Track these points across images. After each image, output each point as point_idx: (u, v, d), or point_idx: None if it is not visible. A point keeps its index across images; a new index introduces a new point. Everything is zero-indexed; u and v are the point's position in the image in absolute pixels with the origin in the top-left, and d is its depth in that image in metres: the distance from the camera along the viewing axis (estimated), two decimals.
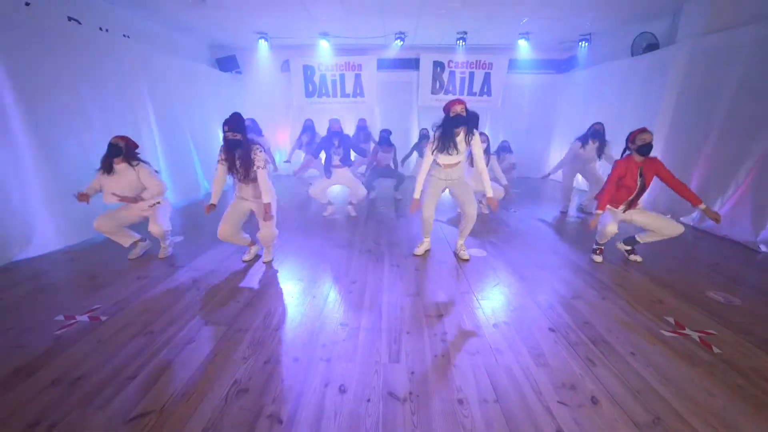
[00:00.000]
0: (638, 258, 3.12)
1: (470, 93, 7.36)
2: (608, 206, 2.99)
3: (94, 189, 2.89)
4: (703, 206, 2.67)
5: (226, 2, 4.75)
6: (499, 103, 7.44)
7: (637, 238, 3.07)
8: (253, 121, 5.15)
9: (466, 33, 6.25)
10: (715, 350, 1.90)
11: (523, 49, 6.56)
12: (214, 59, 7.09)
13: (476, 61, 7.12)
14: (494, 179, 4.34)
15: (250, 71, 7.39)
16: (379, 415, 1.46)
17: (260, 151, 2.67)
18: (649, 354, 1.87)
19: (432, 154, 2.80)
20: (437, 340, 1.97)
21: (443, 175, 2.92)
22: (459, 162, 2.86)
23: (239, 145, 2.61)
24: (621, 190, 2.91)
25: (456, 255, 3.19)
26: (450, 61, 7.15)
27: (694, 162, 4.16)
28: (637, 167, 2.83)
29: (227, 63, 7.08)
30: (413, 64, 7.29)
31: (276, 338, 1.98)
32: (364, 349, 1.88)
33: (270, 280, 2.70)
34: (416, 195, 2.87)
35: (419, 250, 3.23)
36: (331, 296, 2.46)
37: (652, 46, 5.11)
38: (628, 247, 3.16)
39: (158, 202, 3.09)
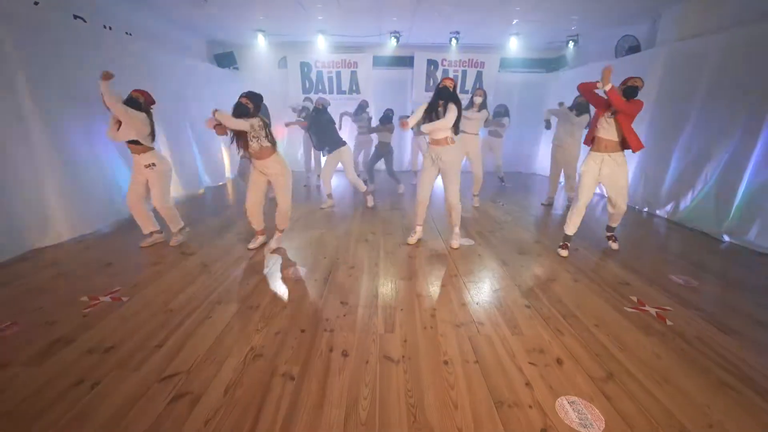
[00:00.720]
0: (615, 245, 3.36)
1: (463, 91, 7.58)
2: (591, 153, 3.06)
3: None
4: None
5: (226, 1, 4.91)
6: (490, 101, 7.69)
7: (610, 223, 3.34)
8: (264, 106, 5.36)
9: (458, 32, 6.47)
10: (668, 323, 2.19)
11: (514, 47, 6.81)
12: (212, 55, 7.23)
13: (469, 59, 7.35)
14: (494, 133, 5.83)
15: (247, 67, 7.54)
16: (376, 373, 1.71)
17: (260, 122, 2.87)
18: (610, 325, 2.15)
19: (422, 120, 3.08)
20: (427, 315, 2.23)
21: (433, 155, 3.13)
22: (445, 138, 3.03)
23: (247, 113, 2.82)
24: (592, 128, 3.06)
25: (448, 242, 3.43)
26: (443, 60, 7.38)
27: (669, 158, 4.47)
28: (607, 104, 2.89)
29: (225, 59, 7.23)
30: (408, 61, 7.50)
31: (284, 313, 2.22)
32: (363, 323, 2.13)
33: (275, 266, 2.93)
34: (410, 121, 3.04)
35: (412, 239, 3.46)
36: (332, 279, 2.71)
37: (634, 48, 5.40)
38: (609, 233, 3.40)
39: (153, 164, 3.13)
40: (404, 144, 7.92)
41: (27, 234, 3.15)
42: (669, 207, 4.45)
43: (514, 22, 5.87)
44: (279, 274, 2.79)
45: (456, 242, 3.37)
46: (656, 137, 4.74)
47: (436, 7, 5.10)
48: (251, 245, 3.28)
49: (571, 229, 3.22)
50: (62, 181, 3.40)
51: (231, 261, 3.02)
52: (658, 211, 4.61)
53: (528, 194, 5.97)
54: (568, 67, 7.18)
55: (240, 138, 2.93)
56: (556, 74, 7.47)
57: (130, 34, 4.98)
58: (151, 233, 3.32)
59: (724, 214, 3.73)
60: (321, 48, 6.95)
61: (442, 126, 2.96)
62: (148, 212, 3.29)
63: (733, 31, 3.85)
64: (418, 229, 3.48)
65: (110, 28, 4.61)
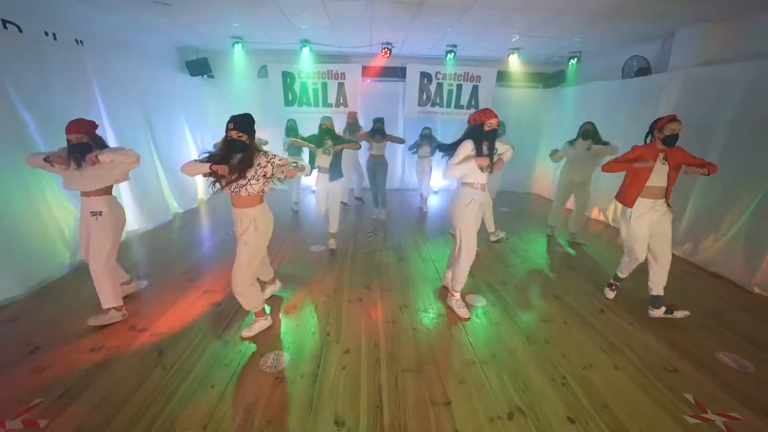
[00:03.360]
0: (686, 312, 2.78)
1: (457, 106, 7.14)
2: (641, 199, 2.70)
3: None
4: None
5: (194, 6, 4.25)
6: None
7: (654, 292, 2.81)
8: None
9: (456, 46, 6.01)
10: None
11: (514, 62, 6.40)
12: (184, 62, 6.49)
13: (464, 73, 6.90)
14: None
15: (223, 76, 6.85)
16: None
17: (275, 157, 2.27)
18: None
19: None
20: None
21: (479, 202, 2.69)
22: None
23: (243, 148, 2.20)
24: (638, 175, 2.68)
25: (451, 309, 2.85)
26: (438, 72, 6.89)
27: (688, 194, 4.13)
28: (657, 152, 2.63)
29: (197, 66, 6.50)
30: (400, 73, 6.98)
31: None
32: None
33: (248, 354, 2.34)
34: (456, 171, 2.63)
35: (465, 313, 2.81)
36: (322, 375, 2.16)
37: (644, 70, 5.07)
38: (663, 308, 2.81)
39: (99, 213, 2.46)
40: (394, 156, 7.38)
41: None
42: (687, 246, 4.12)
43: (514, 38, 5.45)
44: (251, 371, 2.19)
45: (465, 309, 2.82)
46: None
47: (434, 20, 4.61)
48: (245, 333, 2.47)
49: (625, 272, 3.02)
50: None
51: (192, 341, 2.42)
52: (673, 251, 4.27)
53: (528, 221, 5.56)
54: (566, 84, 6.84)
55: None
56: (555, 90, 7.12)
57: (81, 42, 4.25)
58: (114, 308, 2.57)
59: (754, 262, 3.39)
60: (305, 57, 6.34)
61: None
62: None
63: (763, 61, 3.52)
64: (458, 296, 2.86)
65: (54, 36, 3.89)
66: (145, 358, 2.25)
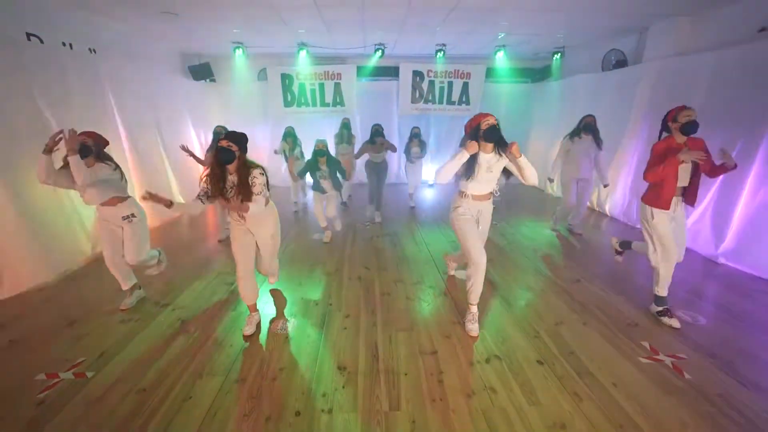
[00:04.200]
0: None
1: (449, 102, 7.46)
2: (660, 211, 2.51)
3: (67, 179, 2.43)
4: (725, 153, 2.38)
5: (199, 15, 4.58)
6: (477, 112, 7.59)
7: (634, 247, 2.97)
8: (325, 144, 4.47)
9: (445, 45, 6.32)
10: (687, 376, 2.07)
11: (501, 59, 6.72)
12: (187, 67, 6.82)
13: (455, 70, 7.22)
14: None
15: (224, 79, 7.17)
16: None
17: (261, 174, 2.25)
18: (629, 384, 2.01)
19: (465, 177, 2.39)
20: (434, 381, 2.03)
21: (475, 211, 2.50)
22: (492, 192, 2.50)
23: (232, 158, 2.15)
24: (665, 178, 2.44)
25: (462, 325, 2.57)
26: (429, 71, 7.21)
27: None
28: (680, 148, 2.38)
29: (200, 71, 6.82)
30: (393, 72, 7.30)
31: (275, 388, 1.98)
32: (364, 397, 1.91)
33: (263, 324, 2.66)
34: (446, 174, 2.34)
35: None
36: (326, 334, 2.47)
37: (621, 63, 5.38)
38: (620, 249, 3.16)
39: (132, 215, 2.65)
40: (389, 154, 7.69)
41: None
42: None
43: (500, 36, 5.77)
44: (264, 331, 2.52)
45: (473, 327, 2.47)
46: (647, 153, 4.70)
47: (423, 21, 4.92)
48: (247, 330, 2.45)
49: (664, 288, 2.63)
50: (17, 221, 3.03)
51: (212, 314, 2.73)
52: None
53: (519, 209, 5.87)
54: (553, 78, 7.15)
55: (217, 188, 2.23)
56: (542, 84, 7.44)
57: (94, 51, 4.57)
58: (131, 290, 2.84)
59: (721, 236, 3.70)
60: (303, 60, 6.66)
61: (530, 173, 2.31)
62: (128, 266, 2.77)
63: (723, 51, 3.83)
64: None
65: (70, 46, 4.21)
66: (170, 327, 2.56)
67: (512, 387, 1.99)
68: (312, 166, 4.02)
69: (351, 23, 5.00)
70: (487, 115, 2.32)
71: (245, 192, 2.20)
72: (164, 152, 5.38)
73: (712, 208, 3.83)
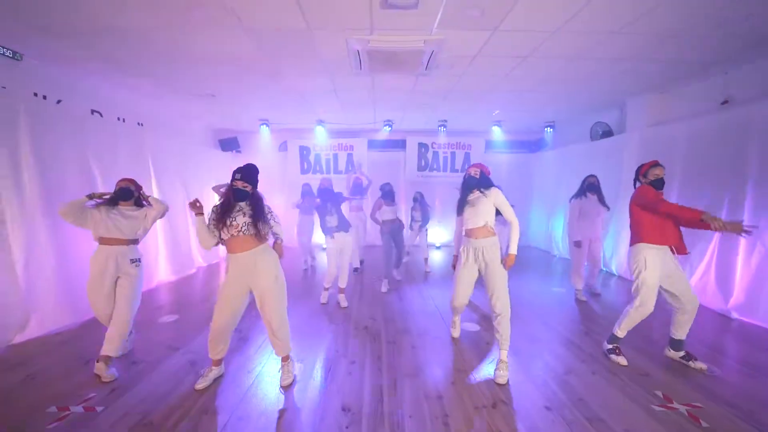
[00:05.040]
0: (703, 366, 2.56)
1: (453, 170, 8.04)
2: (652, 246, 2.54)
3: (91, 216, 2.63)
4: (704, 216, 2.24)
5: (231, 97, 5.37)
6: None
7: (675, 335, 2.66)
8: (329, 181, 4.93)
9: (446, 121, 7.08)
10: (704, 424, 2.00)
11: (497, 133, 7.42)
12: (217, 140, 7.69)
13: (456, 142, 7.93)
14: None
15: (249, 151, 7.97)
16: None
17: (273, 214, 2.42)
18: (643, 431, 1.94)
19: (457, 214, 2.74)
20: (439, 423, 2.00)
21: (472, 248, 2.63)
22: (484, 226, 2.57)
23: (245, 197, 2.32)
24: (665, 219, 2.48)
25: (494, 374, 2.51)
26: (433, 143, 7.94)
27: None
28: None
29: (229, 144, 7.67)
30: (401, 144, 8.04)
31: (280, 427, 1.97)
32: None
33: (269, 362, 2.70)
34: (456, 252, 2.84)
35: (455, 333, 3.14)
36: (332, 378, 2.48)
37: (607, 133, 5.91)
38: (682, 353, 2.67)
39: (139, 260, 2.72)
40: None
41: (9, 326, 2.92)
42: None
43: (495, 113, 6.49)
44: (273, 373, 2.55)
45: (503, 375, 2.42)
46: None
47: (424, 100, 5.65)
48: (200, 384, 2.32)
49: (624, 331, 2.69)
50: (55, 267, 3.28)
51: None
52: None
53: (525, 271, 5.93)
54: (548, 149, 7.76)
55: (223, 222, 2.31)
56: (538, 155, 8.03)
57: (142, 125, 5.32)
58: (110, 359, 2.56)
59: (727, 289, 3.70)
60: (320, 134, 7.46)
61: (513, 222, 2.58)
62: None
63: (694, 121, 4.27)
64: (456, 319, 3.09)
65: (123, 120, 4.94)
66: (181, 369, 2.61)
67: (520, 431, 1.94)
68: (321, 209, 4.07)
69: (363, 102, 5.76)
70: (471, 167, 2.71)
71: (259, 218, 2.29)
72: (188, 211, 5.82)
73: (716, 261, 3.89)
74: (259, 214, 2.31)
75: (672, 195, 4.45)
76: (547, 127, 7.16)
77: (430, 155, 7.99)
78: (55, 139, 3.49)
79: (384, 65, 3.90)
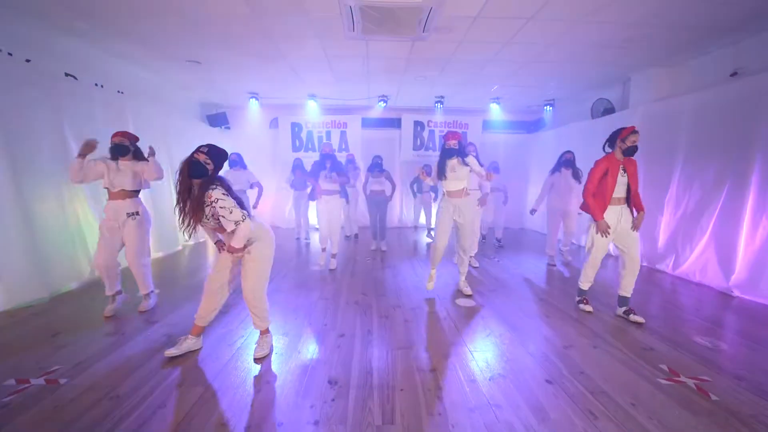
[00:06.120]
0: (640, 318, 2.81)
1: None
2: (610, 208, 2.85)
3: (95, 170, 2.72)
4: (641, 213, 2.86)
5: (219, 65, 5.07)
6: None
7: (622, 293, 2.93)
8: (238, 155, 5.60)
9: (443, 97, 6.82)
10: (713, 397, 1.88)
11: (495, 111, 7.18)
12: (205, 115, 7.35)
13: (453, 121, 7.69)
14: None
15: (238, 127, 7.66)
16: None
17: (219, 191, 1.97)
18: (648, 403, 1.82)
19: (438, 178, 3.27)
20: (432, 396, 1.86)
21: (451, 205, 3.26)
22: (463, 188, 3.23)
23: (204, 175, 1.99)
24: (603, 189, 2.82)
25: (460, 291, 3.47)
26: (429, 121, 7.69)
27: (660, 211, 4.45)
28: (618, 165, 2.79)
29: (217, 119, 7.34)
30: (396, 122, 7.78)
31: (259, 398, 1.81)
32: (356, 410, 1.74)
33: (252, 337, 2.53)
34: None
35: (430, 285, 3.47)
36: (318, 351, 2.33)
37: (609, 110, 5.71)
38: (624, 308, 2.93)
39: (136, 213, 2.85)
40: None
41: None
42: (669, 261, 4.32)
43: (494, 88, 6.24)
44: (255, 347, 2.37)
45: (469, 289, 3.45)
46: (644, 192, 4.77)
47: (420, 72, 5.38)
48: (170, 351, 2.17)
49: (586, 284, 3.10)
50: (21, 237, 3.05)
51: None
52: (658, 266, 4.47)
53: (520, 249, 5.80)
54: (547, 128, 7.55)
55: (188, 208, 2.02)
56: (536, 135, 7.83)
57: (122, 92, 5.00)
58: (114, 296, 2.87)
59: (728, 267, 3.59)
60: (312, 110, 7.17)
61: (479, 169, 3.17)
62: (119, 270, 2.90)
63: (701, 93, 4.08)
64: (433, 272, 3.47)
65: (101, 86, 4.62)
66: (156, 341, 2.43)
67: (519, 403, 1.81)
68: (318, 165, 4.20)
69: (356, 73, 5.47)
70: (449, 141, 3.22)
71: (196, 212, 1.98)
72: (174, 188, 5.56)
73: (715, 238, 3.77)
74: (194, 205, 1.98)
75: (675, 169, 4.31)
76: (546, 105, 6.93)
77: (426, 134, 7.75)
78: (25, 102, 3.22)
79: (379, 26, 3.63)
